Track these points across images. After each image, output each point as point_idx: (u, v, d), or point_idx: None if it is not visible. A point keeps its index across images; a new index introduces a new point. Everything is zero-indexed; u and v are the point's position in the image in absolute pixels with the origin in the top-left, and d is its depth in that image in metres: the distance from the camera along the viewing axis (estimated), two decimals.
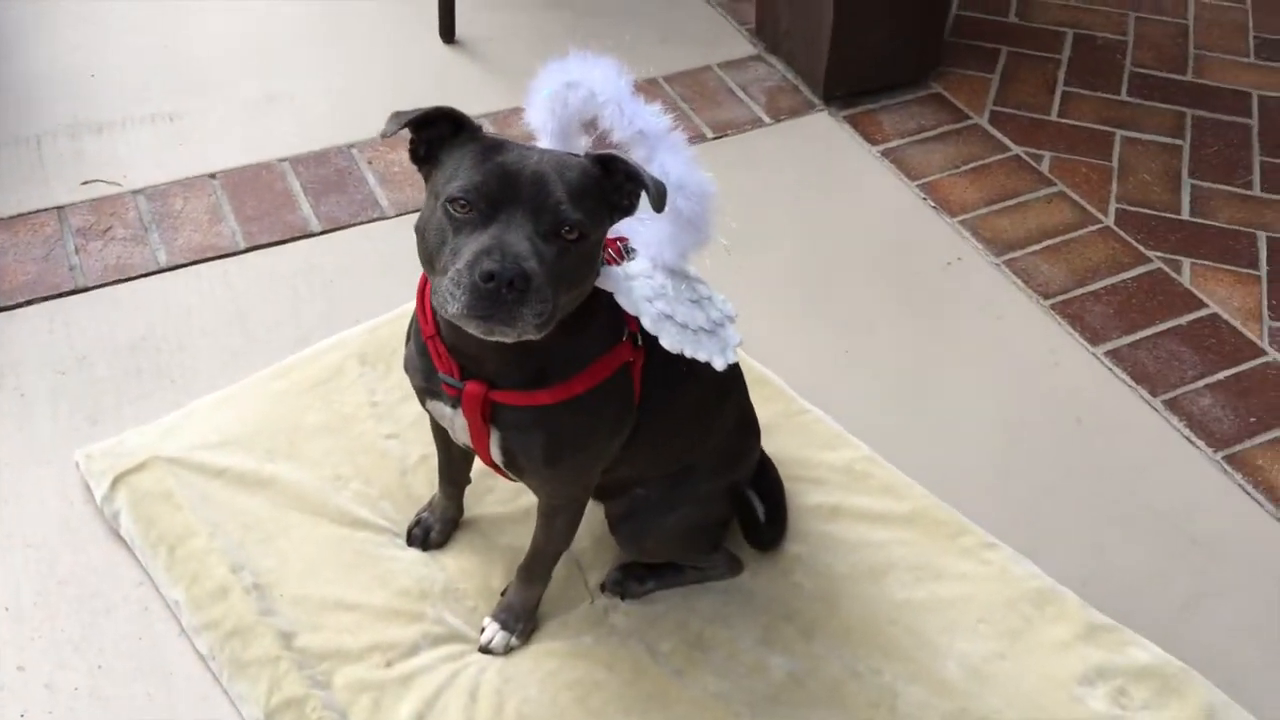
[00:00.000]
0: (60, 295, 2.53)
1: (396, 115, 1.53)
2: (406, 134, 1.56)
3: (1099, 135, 3.13)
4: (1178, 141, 3.13)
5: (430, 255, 1.50)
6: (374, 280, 2.61)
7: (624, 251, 1.72)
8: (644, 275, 1.67)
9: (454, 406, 1.67)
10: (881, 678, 1.94)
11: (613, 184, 1.54)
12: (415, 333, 1.73)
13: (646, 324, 1.63)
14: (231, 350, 2.45)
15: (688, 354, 1.66)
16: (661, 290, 1.66)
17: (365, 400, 2.30)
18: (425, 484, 2.17)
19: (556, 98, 1.66)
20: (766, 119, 3.13)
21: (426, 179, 1.57)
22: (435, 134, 1.54)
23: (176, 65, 3.16)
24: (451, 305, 1.42)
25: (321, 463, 2.18)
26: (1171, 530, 2.25)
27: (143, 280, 2.58)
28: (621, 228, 1.66)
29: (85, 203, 2.75)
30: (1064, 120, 3.18)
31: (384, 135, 1.53)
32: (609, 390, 1.67)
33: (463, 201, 1.45)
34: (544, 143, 1.69)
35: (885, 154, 3.04)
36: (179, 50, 3.21)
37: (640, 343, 1.70)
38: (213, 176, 2.85)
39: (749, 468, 2.01)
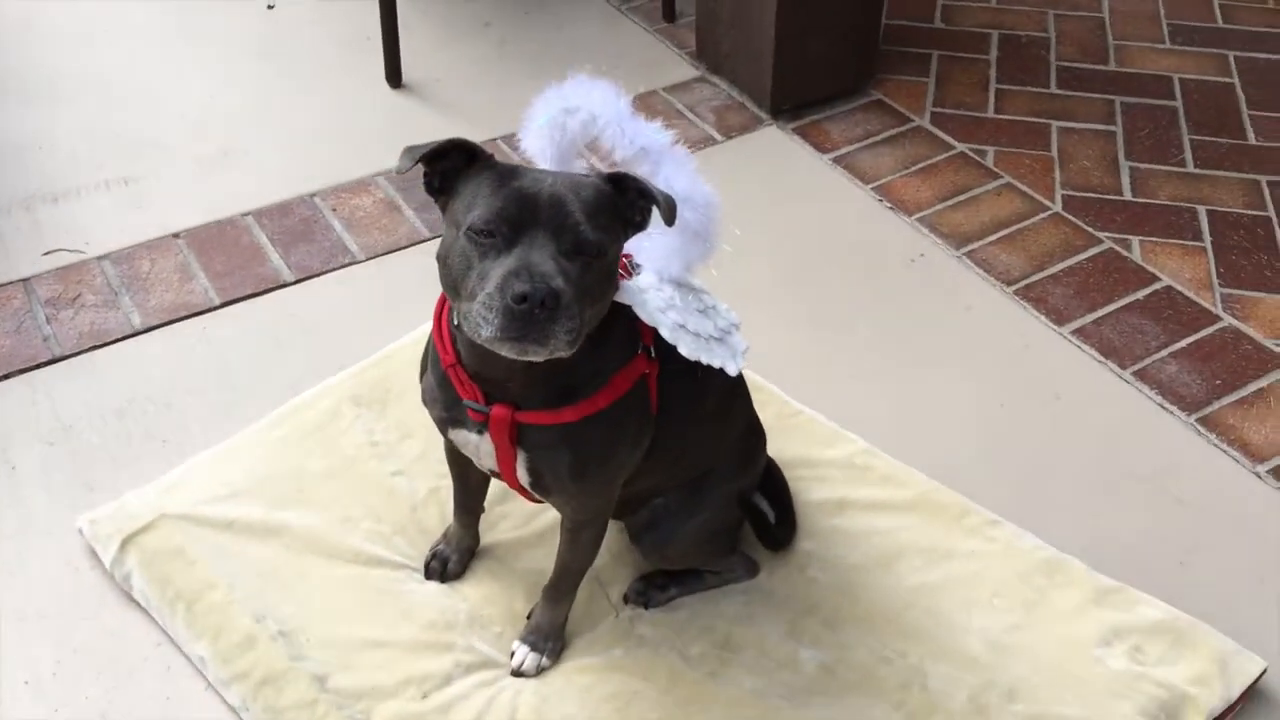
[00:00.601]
0: (38, 366, 2.50)
1: (410, 151, 1.55)
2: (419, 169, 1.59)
3: (1036, 128, 3.26)
4: (1111, 128, 3.26)
5: (455, 282, 1.52)
6: (354, 324, 2.62)
7: (630, 267, 1.76)
8: (653, 288, 1.72)
9: (480, 433, 1.70)
10: (908, 659, 1.99)
11: (625, 201, 1.58)
12: (433, 363, 1.75)
13: (665, 333, 1.67)
14: (221, 405, 2.44)
15: (704, 361, 1.70)
16: (671, 301, 1.71)
17: (365, 441, 2.30)
18: (436, 517, 2.18)
19: (555, 124, 1.71)
20: (718, 137, 3.20)
21: (443, 209, 1.60)
22: (449, 165, 1.57)
23: (125, 132, 3.15)
24: (485, 329, 1.45)
25: (330, 506, 2.18)
26: (1158, 493, 2.34)
27: (120, 344, 2.56)
28: (626, 244, 1.70)
29: (50, 272, 2.72)
30: (1001, 116, 3.30)
31: (399, 171, 1.55)
32: (629, 403, 1.70)
33: (485, 231, 1.48)
34: (544, 168, 1.73)
35: (837, 161, 3.13)
36: (126, 117, 3.20)
37: (654, 355, 1.74)
38: (177, 236, 2.84)
39: (760, 468, 2.06)
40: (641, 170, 1.67)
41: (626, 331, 1.70)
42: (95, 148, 3.09)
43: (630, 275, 1.74)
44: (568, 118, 1.70)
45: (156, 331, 2.60)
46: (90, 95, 3.26)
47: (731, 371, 1.74)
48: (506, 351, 1.48)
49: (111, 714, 1.93)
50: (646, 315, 1.68)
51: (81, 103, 3.23)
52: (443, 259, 1.55)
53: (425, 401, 1.79)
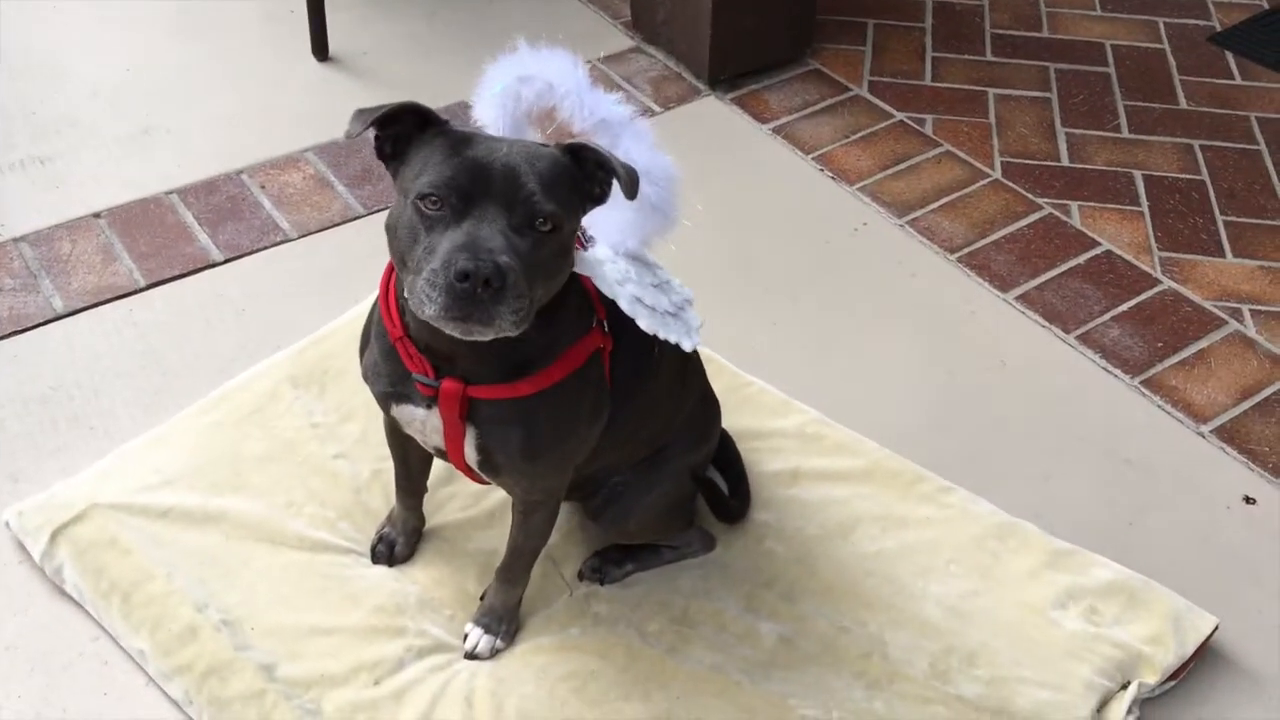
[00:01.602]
0: None
1: (360, 114, 1.49)
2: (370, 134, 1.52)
3: (973, 95, 3.26)
4: (1046, 94, 3.27)
5: (403, 254, 1.46)
6: (288, 304, 2.54)
7: (584, 239, 1.71)
8: (609, 261, 1.67)
9: (427, 407, 1.64)
10: (867, 628, 1.98)
11: (584, 173, 1.52)
12: (377, 336, 1.68)
13: (624, 306, 1.63)
14: (151, 390, 2.34)
15: (660, 336, 1.66)
16: (627, 275, 1.66)
17: (305, 423, 2.23)
18: (381, 499, 2.12)
19: (509, 93, 1.65)
20: (656, 108, 3.15)
21: (394, 176, 1.53)
22: (401, 130, 1.51)
23: (37, 110, 3.02)
24: (428, 307, 1.40)
25: (271, 490, 2.10)
26: (1105, 455, 2.35)
27: (41, 329, 2.46)
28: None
29: None
30: (938, 84, 3.29)
31: (349, 135, 1.48)
32: (584, 377, 1.66)
33: (434, 198, 1.42)
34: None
35: (777, 131, 3.10)
36: (36, 94, 3.06)
37: (607, 330, 1.69)
38: (97, 216, 2.73)
39: (715, 440, 2.02)
40: (600, 143, 1.62)
41: (580, 304, 1.65)
42: (6, 126, 2.96)
43: (584, 247, 1.69)
44: (522, 86, 1.64)
45: (80, 315, 2.49)
46: None
47: (687, 347, 1.69)
48: (451, 330, 1.43)
49: (47, 712, 1.84)
50: (606, 287, 1.63)
51: None
52: (391, 229, 1.49)
53: (366, 377, 1.73)
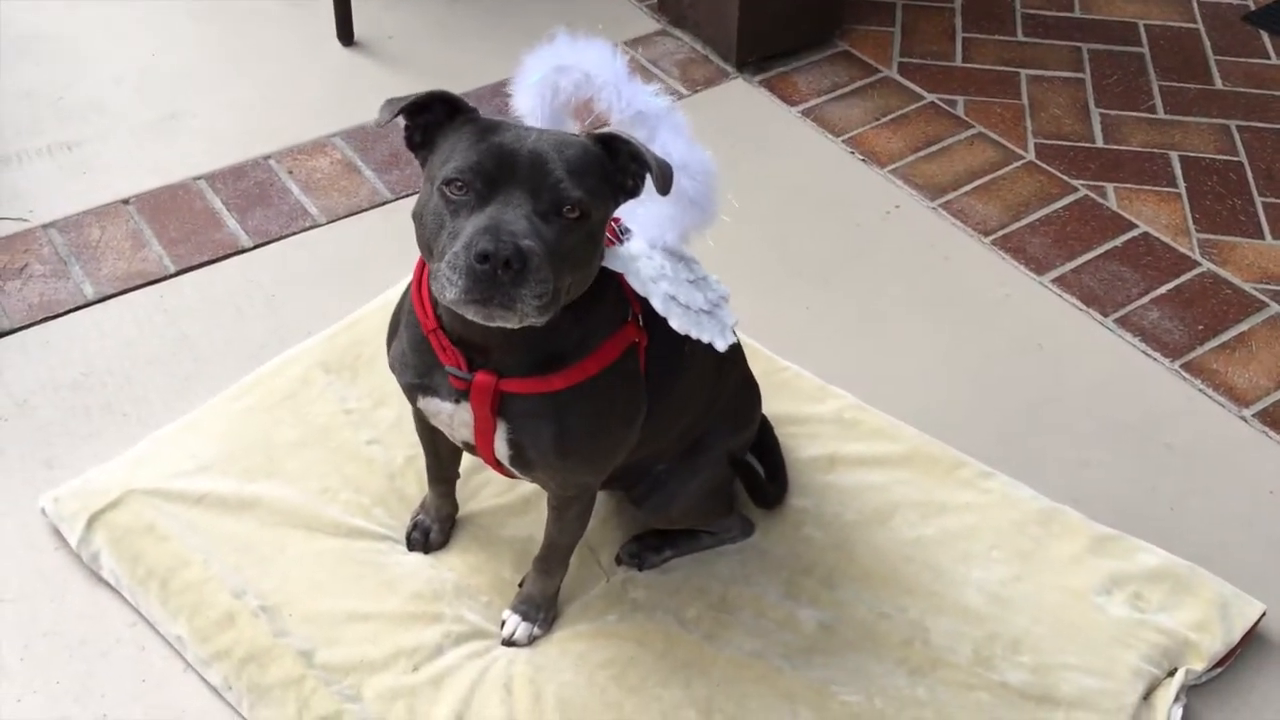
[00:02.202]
0: None
1: (390, 102, 1.47)
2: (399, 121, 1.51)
3: (1005, 76, 3.22)
4: (1079, 75, 3.23)
5: (429, 241, 1.45)
6: (318, 289, 2.53)
7: (619, 233, 1.68)
8: (644, 255, 1.64)
9: (456, 401, 1.61)
10: (908, 614, 1.95)
11: (616, 165, 1.50)
12: (407, 326, 1.66)
13: (657, 304, 1.60)
14: (182, 376, 2.33)
15: (693, 335, 1.63)
16: (663, 271, 1.63)
17: (338, 409, 2.21)
18: (415, 485, 2.11)
19: (546, 83, 1.63)
20: (684, 91, 3.12)
21: (423, 164, 1.51)
22: (430, 119, 1.49)
23: (66, 96, 3.01)
24: (449, 290, 1.37)
25: (305, 476, 2.09)
26: (1146, 440, 2.32)
27: (72, 315, 2.45)
28: (620, 210, 1.62)
29: None
30: (969, 65, 3.25)
31: (378, 124, 1.48)
32: (618, 373, 1.63)
33: (459, 182, 1.40)
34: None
35: (806, 113, 3.07)
36: (62, 81, 3.05)
37: (642, 324, 1.67)
38: (126, 202, 2.72)
39: (756, 424, 2.00)
40: (638, 136, 1.59)
41: (615, 298, 1.63)
42: (33, 112, 2.95)
43: (619, 241, 1.67)
44: (560, 76, 1.62)
45: (110, 301, 2.48)
46: (23, 56, 3.11)
47: (720, 347, 1.66)
48: (472, 315, 1.40)
49: (85, 698, 1.84)
50: (639, 284, 1.61)
51: (12, 64, 3.08)
52: (417, 216, 1.47)
53: (394, 368, 1.71)
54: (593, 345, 1.59)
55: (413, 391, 1.69)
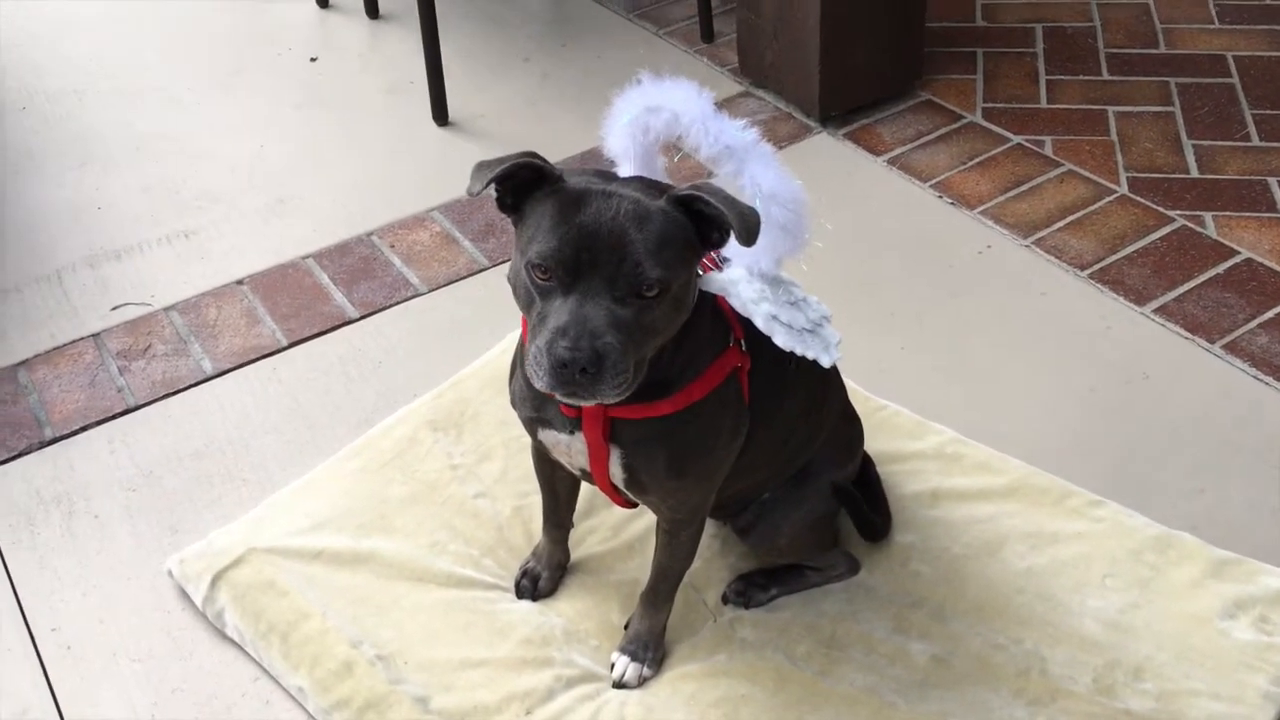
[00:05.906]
0: (113, 417, 2.49)
1: (481, 169, 1.51)
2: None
3: (1092, 114, 3.21)
4: (1169, 109, 3.21)
5: (524, 310, 1.53)
6: (422, 353, 2.61)
7: (718, 261, 1.72)
8: (744, 280, 1.68)
9: (571, 432, 1.66)
10: (1023, 645, 1.92)
11: (698, 224, 1.51)
12: (523, 364, 1.72)
13: (759, 324, 1.64)
14: (298, 443, 2.42)
15: (798, 352, 1.66)
16: (763, 294, 1.66)
17: (445, 465, 2.27)
18: (523, 536, 2.15)
19: (637, 124, 1.68)
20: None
21: (515, 224, 1.57)
22: (519, 183, 1.53)
23: (180, 188, 3.17)
24: (537, 379, 1.47)
25: (416, 531, 2.15)
26: (1260, 464, 2.26)
27: (193, 390, 2.56)
28: None
29: (119, 326, 2.73)
30: (1054, 106, 3.26)
31: (471, 193, 1.51)
32: (724, 395, 1.67)
33: (542, 268, 1.46)
34: (625, 168, 1.70)
35: (892, 162, 3.10)
36: (179, 174, 3.22)
37: (744, 348, 1.70)
38: (240, 283, 2.85)
39: (859, 456, 2.01)
40: (726, 169, 1.63)
41: (715, 323, 1.67)
42: (153, 204, 3.12)
43: (718, 269, 1.71)
44: (650, 117, 1.67)
45: (228, 375, 2.59)
46: (143, 155, 3.30)
47: (825, 363, 1.69)
48: (559, 398, 1.53)
49: None
50: (740, 305, 1.65)
51: (135, 162, 3.27)
52: (512, 284, 1.54)
53: (514, 403, 1.77)
54: (697, 371, 1.63)
55: (532, 425, 1.75)
